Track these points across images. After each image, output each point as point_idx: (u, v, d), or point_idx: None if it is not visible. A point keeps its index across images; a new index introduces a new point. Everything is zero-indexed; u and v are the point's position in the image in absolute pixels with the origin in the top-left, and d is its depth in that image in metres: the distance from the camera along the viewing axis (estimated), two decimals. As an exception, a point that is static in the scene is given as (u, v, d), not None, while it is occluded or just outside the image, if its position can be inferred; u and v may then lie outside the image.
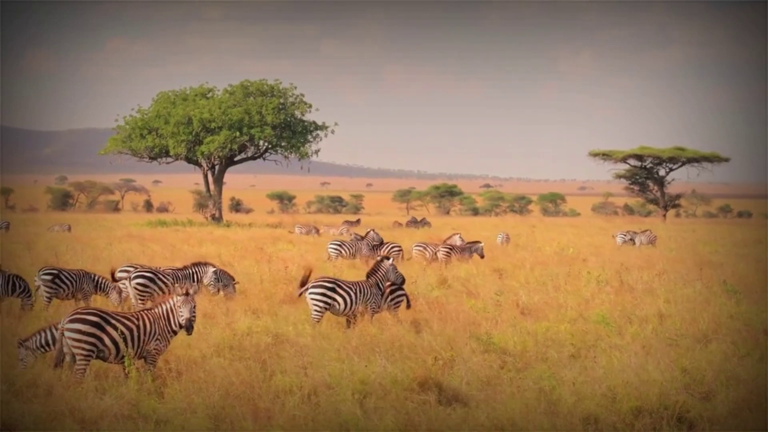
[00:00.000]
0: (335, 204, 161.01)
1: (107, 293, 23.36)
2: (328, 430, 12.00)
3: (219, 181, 78.96)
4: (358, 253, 38.72)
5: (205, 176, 79.06)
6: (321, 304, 20.53)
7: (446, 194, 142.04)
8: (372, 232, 40.01)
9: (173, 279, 23.02)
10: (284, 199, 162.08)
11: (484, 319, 19.65)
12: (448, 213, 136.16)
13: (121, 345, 14.76)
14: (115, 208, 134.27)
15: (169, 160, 78.52)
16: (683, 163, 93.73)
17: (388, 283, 21.14)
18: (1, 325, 18.48)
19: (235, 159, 78.83)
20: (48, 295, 22.55)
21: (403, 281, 21.45)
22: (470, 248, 38.54)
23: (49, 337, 15.84)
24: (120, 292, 23.49)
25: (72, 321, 14.89)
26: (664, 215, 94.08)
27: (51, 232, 60.68)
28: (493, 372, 14.35)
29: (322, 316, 20.50)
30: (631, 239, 52.15)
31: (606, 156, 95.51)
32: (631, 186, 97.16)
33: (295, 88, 79.22)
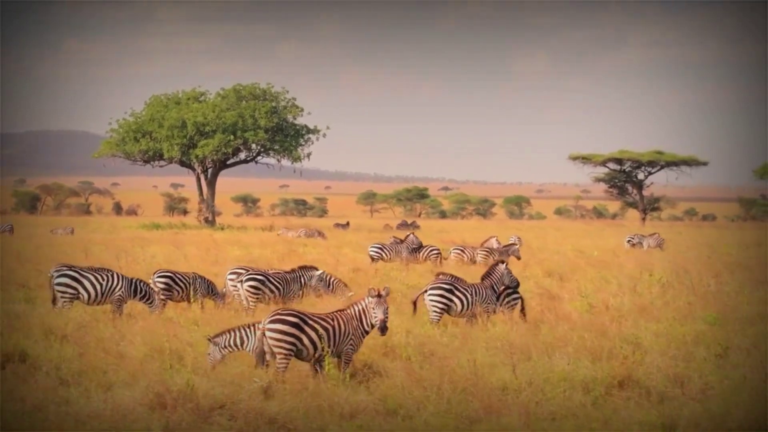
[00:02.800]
0: (299, 206, 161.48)
1: (215, 295, 23.97)
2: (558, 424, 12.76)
3: (212, 185, 79.31)
4: (397, 256, 39.47)
5: (198, 180, 79.36)
6: (440, 306, 21.32)
7: (417, 197, 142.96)
8: (411, 235, 40.80)
9: (283, 282, 23.65)
10: (248, 202, 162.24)
11: (605, 320, 20.40)
12: (419, 216, 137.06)
13: (320, 344, 15.45)
14: (86, 211, 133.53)
15: (163, 163, 78.76)
16: (662, 167, 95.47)
17: (503, 286, 21.94)
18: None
19: (228, 162, 79.24)
20: (163, 297, 23.10)
21: (518, 284, 22.26)
22: (507, 251, 39.48)
23: (238, 338, 16.46)
24: (224, 295, 24.14)
25: (273, 321, 15.57)
26: (644, 219, 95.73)
27: (54, 235, 60.74)
28: (680, 369, 15.18)
29: (440, 318, 21.29)
30: (639, 242, 53.37)
31: (586, 159, 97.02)
32: (610, 189, 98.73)
33: (287, 92, 79.86)
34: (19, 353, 15.98)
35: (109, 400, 13.10)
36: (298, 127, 79.47)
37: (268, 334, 15.53)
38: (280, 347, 15.45)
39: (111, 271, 22.68)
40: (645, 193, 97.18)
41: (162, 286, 23.21)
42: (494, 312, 21.63)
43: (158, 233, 64.95)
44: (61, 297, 21.94)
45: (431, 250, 39.86)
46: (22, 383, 14.50)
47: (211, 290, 24.03)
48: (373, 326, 15.83)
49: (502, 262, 22.25)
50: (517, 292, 22.13)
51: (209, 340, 16.50)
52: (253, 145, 78.04)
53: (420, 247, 40.15)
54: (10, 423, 12.33)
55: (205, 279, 24.13)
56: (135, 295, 22.22)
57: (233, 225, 79.40)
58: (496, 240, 41.71)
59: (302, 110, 79.82)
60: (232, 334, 16.55)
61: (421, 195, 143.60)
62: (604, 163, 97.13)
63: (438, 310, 21.28)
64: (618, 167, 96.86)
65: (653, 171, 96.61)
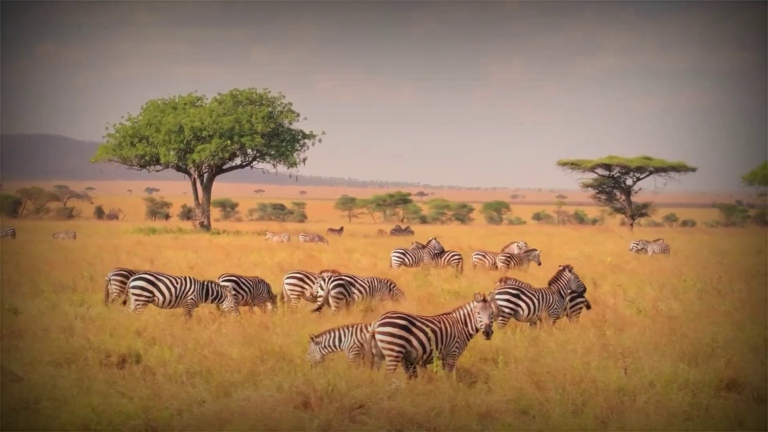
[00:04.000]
0: (277, 211, 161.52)
1: (272, 299, 24.38)
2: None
3: (208, 190, 79.58)
4: (420, 262, 39.92)
5: (194, 184, 79.58)
6: (507, 310, 21.81)
7: (399, 202, 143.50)
8: (434, 240, 41.24)
9: (369, 286, 24.16)
10: (227, 207, 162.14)
11: (676, 325, 20.93)
12: (402, 221, 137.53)
13: (428, 346, 15.91)
14: (69, 215, 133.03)
15: (159, 167, 78.93)
16: (650, 173, 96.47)
17: (569, 291, 22.46)
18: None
19: (224, 167, 79.54)
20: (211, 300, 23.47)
21: (585, 290, 22.78)
22: (527, 256, 40.05)
23: (336, 338, 16.90)
24: (278, 298, 24.56)
25: (383, 324, 16.03)
26: (631, 224, 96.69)
27: (57, 240, 60.75)
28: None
29: (507, 323, 21.77)
30: (643, 248, 54.06)
31: (575, 165, 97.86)
32: (598, 195, 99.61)
33: (284, 97, 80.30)
34: (134, 355, 16.32)
35: (252, 400, 13.45)
36: (293, 132, 79.88)
37: (378, 336, 15.98)
38: (390, 349, 15.90)
39: (184, 276, 23.07)
40: (633, 198, 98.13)
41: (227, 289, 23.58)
42: (559, 317, 22.14)
43: (161, 238, 65.10)
44: (136, 300, 22.30)
45: (453, 255, 40.34)
46: (138, 384, 14.81)
47: (270, 294, 24.45)
48: (477, 330, 16.30)
49: (569, 268, 22.73)
50: (583, 297, 22.64)
51: (312, 339, 16.93)
52: (249, 150, 78.36)
53: (442, 252, 40.62)
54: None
55: (266, 283, 24.53)
56: (207, 298, 22.61)
57: (228, 230, 79.59)
58: (518, 245, 42.25)
59: (298, 115, 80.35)
60: (332, 334, 16.99)
61: (404, 200, 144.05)
62: (592, 169, 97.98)
63: (505, 315, 21.76)
64: (606, 173, 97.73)
65: (641, 177, 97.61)
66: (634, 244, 54.91)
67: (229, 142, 75.65)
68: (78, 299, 25.52)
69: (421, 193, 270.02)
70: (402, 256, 40.19)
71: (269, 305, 24.24)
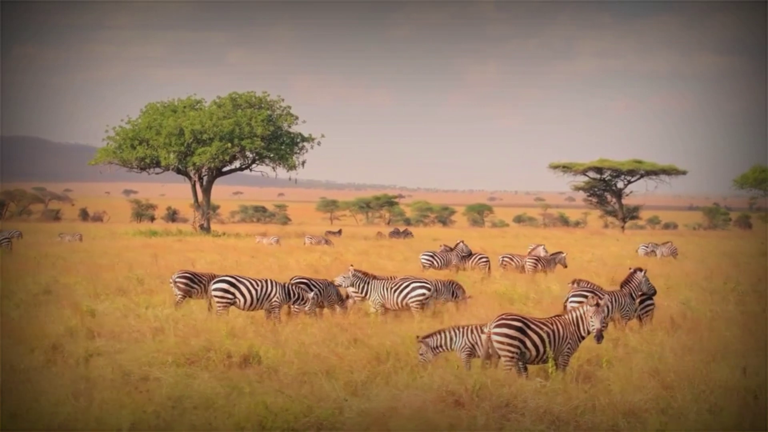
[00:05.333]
0: (258, 213, 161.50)
1: (341, 301, 24.75)
2: None
3: (207, 192, 79.70)
4: (448, 264, 40.40)
5: (194, 187, 79.72)
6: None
7: (386, 204, 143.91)
8: (461, 243, 41.72)
9: (434, 288, 24.69)
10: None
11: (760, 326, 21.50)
12: (388, 223, 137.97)
13: (542, 347, 16.38)
14: (55, 217, 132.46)
15: (158, 170, 79.00)
16: (641, 176, 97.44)
17: (640, 293, 22.98)
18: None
19: (224, 170, 79.73)
20: (293, 302, 23.84)
21: (655, 292, 23.30)
22: (554, 259, 40.60)
23: (448, 338, 17.32)
24: (348, 298, 24.95)
25: (498, 326, 16.49)
26: (623, 227, 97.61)
27: (62, 242, 60.75)
28: None
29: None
30: (652, 251, 54.79)
31: (566, 168, 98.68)
32: (590, 198, 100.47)
33: (282, 100, 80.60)
34: (255, 355, 16.67)
35: (400, 398, 13.85)
36: (292, 135, 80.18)
37: (494, 337, 16.45)
38: (506, 350, 16.36)
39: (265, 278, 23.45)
40: (624, 201, 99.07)
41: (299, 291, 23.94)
42: (630, 318, 22.65)
43: (165, 240, 65.17)
44: (218, 303, 22.63)
45: (480, 258, 40.85)
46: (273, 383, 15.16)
47: (338, 296, 24.82)
48: (588, 333, 16.77)
49: (641, 270, 23.23)
50: (652, 299, 23.15)
51: (420, 341, 17.34)
52: (249, 153, 78.61)
53: (469, 255, 41.11)
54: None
55: (334, 285, 24.89)
56: (289, 299, 22.98)
57: (228, 232, 79.79)
58: (544, 248, 42.85)
59: (297, 118, 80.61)
60: (443, 335, 17.40)
61: (389, 202, 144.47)
62: (584, 172, 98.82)
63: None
64: (598, 176, 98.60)
65: (633, 180, 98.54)
66: (644, 247, 55.62)
67: (229, 144, 75.84)
68: (145, 301, 25.79)
69: (400, 196, 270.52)
70: (431, 258, 40.64)
71: (337, 307, 24.60)
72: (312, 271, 36.92)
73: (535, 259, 40.20)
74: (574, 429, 13.20)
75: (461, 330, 17.35)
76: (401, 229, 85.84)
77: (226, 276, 23.30)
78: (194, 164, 76.30)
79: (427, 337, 17.43)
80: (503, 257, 41.09)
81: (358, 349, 17.65)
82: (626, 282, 23.06)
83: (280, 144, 79.03)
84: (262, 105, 79.48)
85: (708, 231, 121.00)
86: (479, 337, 17.05)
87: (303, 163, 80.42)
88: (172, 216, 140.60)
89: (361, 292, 24.46)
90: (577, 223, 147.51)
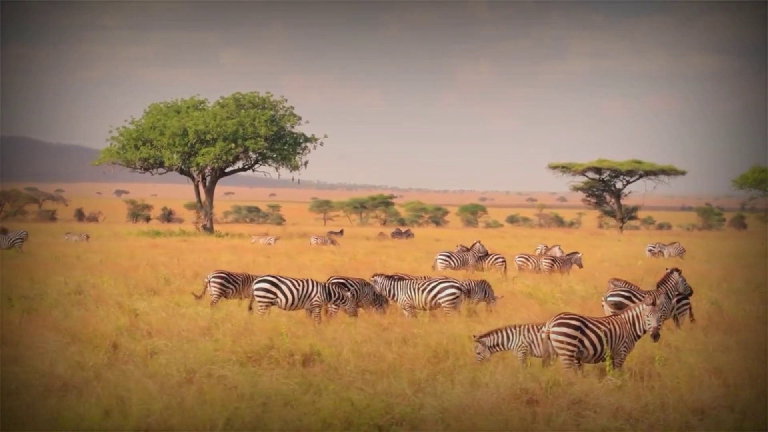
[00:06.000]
0: (252, 214, 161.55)
1: (380, 302, 24.97)
2: None
3: (210, 192, 79.89)
4: (465, 264, 40.67)
5: (197, 187, 79.90)
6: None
7: (381, 205, 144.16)
8: (478, 243, 42.01)
9: (468, 289, 24.97)
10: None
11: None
12: (384, 224, 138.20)
13: (599, 346, 16.66)
14: (51, 217, 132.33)
15: (162, 171, 79.16)
16: (640, 176, 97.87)
17: (677, 293, 23.29)
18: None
19: (227, 170, 79.92)
20: (333, 301, 24.07)
21: (691, 292, 23.61)
22: (570, 259, 40.93)
23: (505, 337, 17.58)
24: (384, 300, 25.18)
25: (557, 325, 16.77)
26: (621, 227, 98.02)
27: (69, 242, 60.84)
28: None
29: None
30: (659, 251, 55.19)
31: (565, 168, 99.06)
32: (588, 198, 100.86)
33: (286, 100, 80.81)
34: (316, 353, 16.91)
35: (473, 396, 14.11)
36: (295, 136, 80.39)
37: (552, 336, 16.73)
38: (564, 349, 16.64)
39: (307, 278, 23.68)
40: (623, 201, 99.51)
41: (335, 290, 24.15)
42: (667, 318, 22.93)
43: (170, 240, 65.33)
44: (259, 302, 22.87)
45: (497, 258, 41.14)
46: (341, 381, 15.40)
47: (375, 297, 25.02)
48: (644, 332, 17.06)
49: (677, 270, 23.54)
50: (688, 299, 23.46)
51: (476, 340, 17.60)
52: (252, 153, 78.80)
53: (486, 255, 41.40)
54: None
55: (370, 285, 25.11)
56: (329, 299, 23.22)
57: (230, 232, 79.95)
58: (559, 248, 43.17)
59: (300, 119, 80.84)
60: (499, 334, 17.67)
61: (386, 203, 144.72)
62: (583, 172, 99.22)
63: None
64: (597, 176, 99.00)
65: (632, 180, 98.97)
66: (651, 247, 56.04)
67: (233, 145, 76.03)
68: (179, 300, 26.02)
69: (392, 196, 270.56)
70: (447, 258, 40.91)
71: (372, 307, 24.82)
72: (332, 270, 37.16)
73: (552, 260, 40.53)
74: (648, 427, 13.45)
75: (518, 329, 17.62)
76: (403, 229, 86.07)
77: (268, 276, 23.54)
78: (198, 165, 76.50)
79: (484, 336, 17.68)
80: (519, 258, 41.39)
81: (414, 347, 17.89)
82: (663, 282, 23.36)
83: (283, 144, 79.25)
84: (266, 105, 79.69)
85: (703, 231, 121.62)
86: (536, 336, 17.32)
87: (306, 163, 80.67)
88: (168, 216, 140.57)
89: (389, 294, 24.71)
90: (571, 224, 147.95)
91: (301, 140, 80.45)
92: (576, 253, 41.68)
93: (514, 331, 17.64)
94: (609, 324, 17.01)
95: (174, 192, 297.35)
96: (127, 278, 31.33)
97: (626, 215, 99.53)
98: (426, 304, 24.26)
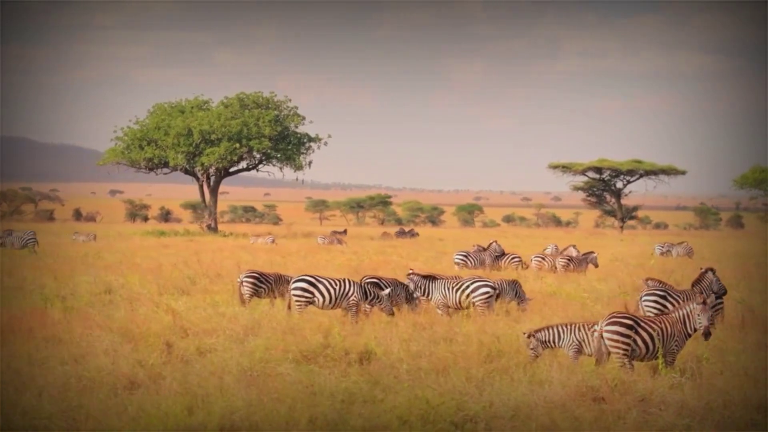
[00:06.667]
0: (248, 214, 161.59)
1: (412, 301, 25.13)
2: None
3: (215, 192, 79.99)
4: (482, 264, 40.88)
5: (201, 187, 79.99)
6: (655, 312, 22.77)
7: (380, 204, 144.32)
8: (494, 243, 42.22)
9: (509, 287, 25.23)
10: (198, 209, 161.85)
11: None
12: (382, 223, 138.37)
13: (652, 345, 16.86)
14: (50, 217, 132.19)
15: (166, 171, 79.26)
16: (641, 176, 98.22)
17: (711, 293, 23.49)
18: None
19: (231, 170, 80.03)
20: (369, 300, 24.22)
21: (725, 292, 23.82)
22: (585, 259, 41.14)
23: (556, 335, 17.76)
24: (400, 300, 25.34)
25: (610, 324, 16.97)
26: (621, 227, 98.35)
27: (77, 242, 60.87)
28: None
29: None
30: (668, 250, 55.46)
31: (566, 168, 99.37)
32: (589, 198, 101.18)
33: (290, 100, 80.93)
34: (369, 352, 17.07)
35: (538, 393, 14.29)
36: (299, 136, 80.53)
37: (605, 335, 16.92)
38: (617, 347, 16.83)
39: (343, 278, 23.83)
40: (623, 201, 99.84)
41: (370, 289, 24.30)
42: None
43: (175, 240, 65.38)
44: (297, 301, 23.02)
45: (513, 258, 41.36)
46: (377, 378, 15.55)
47: (408, 296, 25.19)
48: (695, 330, 17.26)
49: (712, 270, 23.75)
50: (722, 299, 23.66)
51: (530, 335, 17.76)
52: (256, 153, 78.92)
53: (502, 254, 41.60)
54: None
55: (403, 285, 25.27)
56: (366, 298, 23.37)
57: (234, 232, 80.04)
58: (575, 248, 43.37)
59: (304, 119, 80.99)
60: (551, 331, 17.85)
61: (384, 202, 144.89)
62: (583, 172, 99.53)
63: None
64: (597, 176, 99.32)
65: (632, 180, 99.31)
66: (659, 247, 56.28)
67: (237, 145, 76.14)
68: (210, 300, 26.12)
69: (389, 196, 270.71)
70: (464, 258, 41.11)
71: (406, 306, 24.97)
72: (351, 270, 37.34)
73: (567, 259, 40.72)
74: (713, 424, 13.64)
75: (569, 327, 17.80)
76: (406, 229, 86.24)
77: (305, 275, 23.69)
78: (202, 164, 76.59)
79: (537, 331, 17.85)
80: (535, 257, 41.60)
81: (467, 346, 18.04)
82: (697, 281, 23.59)
83: (287, 144, 79.35)
84: (270, 105, 79.77)
85: (701, 231, 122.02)
86: (586, 334, 17.51)
87: (310, 163, 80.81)
88: (166, 216, 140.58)
89: (423, 294, 24.87)
90: (568, 223, 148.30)
91: (305, 140, 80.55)
92: (591, 252, 41.89)
93: (565, 329, 17.82)
94: (661, 323, 17.21)
95: (169, 192, 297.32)
96: (153, 278, 31.42)
97: (626, 215, 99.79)
98: (460, 303, 24.42)
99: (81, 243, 60.00)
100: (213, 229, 78.67)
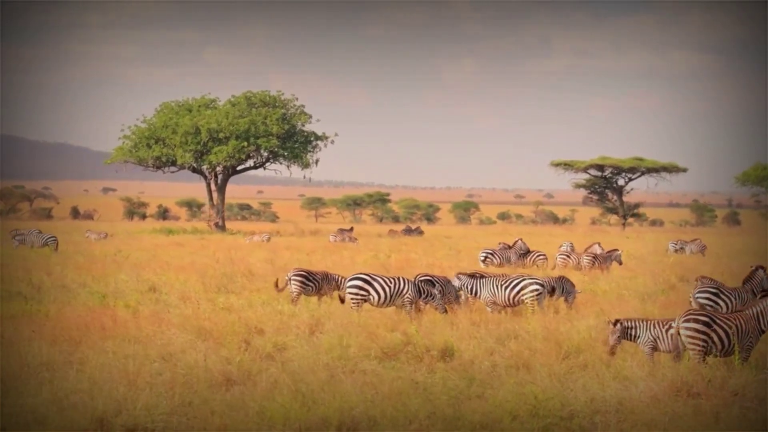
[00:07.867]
0: (244, 212, 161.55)
1: (457, 299, 25.36)
2: None
3: (222, 190, 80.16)
4: (507, 261, 41.13)
5: (208, 185, 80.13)
6: (708, 308, 23.09)
7: (379, 201, 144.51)
8: (520, 241, 42.47)
9: (558, 285, 25.54)
10: (193, 207, 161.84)
11: None
12: (381, 221, 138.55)
13: (728, 341, 17.14)
14: (48, 215, 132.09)
15: (174, 169, 79.36)
16: (642, 173, 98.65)
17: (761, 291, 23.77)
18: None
19: (238, 169, 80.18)
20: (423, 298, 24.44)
21: (775, 289, 24.09)
22: (610, 256, 41.42)
23: (637, 328, 17.98)
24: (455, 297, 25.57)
25: (686, 321, 17.25)
26: (623, 225, 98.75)
27: (89, 240, 60.95)
28: None
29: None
30: (681, 248, 55.81)
31: (567, 166, 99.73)
32: (590, 195, 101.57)
33: (296, 99, 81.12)
34: (450, 349, 17.31)
35: (633, 390, 14.54)
36: (306, 134, 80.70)
37: (682, 332, 17.19)
38: (694, 344, 17.11)
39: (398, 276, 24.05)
40: (624, 198, 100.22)
41: (423, 287, 24.53)
42: (750, 313, 23.44)
43: (190, 238, 65.47)
44: (352, 299, 23.24)
45: (538, 255, 41.65)
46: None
47: (456, 295, 25.44)
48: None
49: (762, 268, 24.06)
50: (769, 295, 23.92)
51: (615, 323, 17.91)
52: (263, 152, 79.08)
53: (527, 252, 41.87)
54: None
55: (452, 283, 25.50)
56: (420, 296, 23.61)
57: (242, 230, 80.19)
58: (599, 245, 43.65)
59: (311, 117, 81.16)
60: (631, 323, 18.06)
61: (382, 200, 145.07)
62: (585, 170, 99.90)
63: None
64: (599, 173, 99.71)
65: (633, 177, 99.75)
66: (672, 244, 56.64)
67: (245, 143, 76.30)
68: (257, 299, 26.30)
69: (387, 193, 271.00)
70: (490, 256, 41.37)
71: (455, 304, 25.20)
72: (380, 268, 37.51)
73: (593, 257, 40.98)
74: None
75: (645, 323, 18.02)
76: (413, 227, 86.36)
77: (360, 273, 23.91)
78: (210, 163, 76.71)
79: (623, 321, 18.04)
80: (560, 255, 41.85)
81: (546, 343, 18.27)
82: (748, 279, 23.89)
83: (294, 142, 79.52)
84: (276, 104, 79.92)
85: (697, 228, 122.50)
86: (661, 331, 17.75)
87: (317, 161, 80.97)
88: (164, 214, 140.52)
89: (471, 292, 25.10)
90: (564, 220, 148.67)
91: (312, 138, 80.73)
92: (616, 250, 42.18)
93: (641, 324, 18.05)
94: (736, 320, 17.49)
95: (161, 190, 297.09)
96: (195, 277, 31.55)
97: (628, 212, 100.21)
98: (509, 300, 24.64)
99: (94, 241, 60.10)
100: (221, 227, 78.77)
